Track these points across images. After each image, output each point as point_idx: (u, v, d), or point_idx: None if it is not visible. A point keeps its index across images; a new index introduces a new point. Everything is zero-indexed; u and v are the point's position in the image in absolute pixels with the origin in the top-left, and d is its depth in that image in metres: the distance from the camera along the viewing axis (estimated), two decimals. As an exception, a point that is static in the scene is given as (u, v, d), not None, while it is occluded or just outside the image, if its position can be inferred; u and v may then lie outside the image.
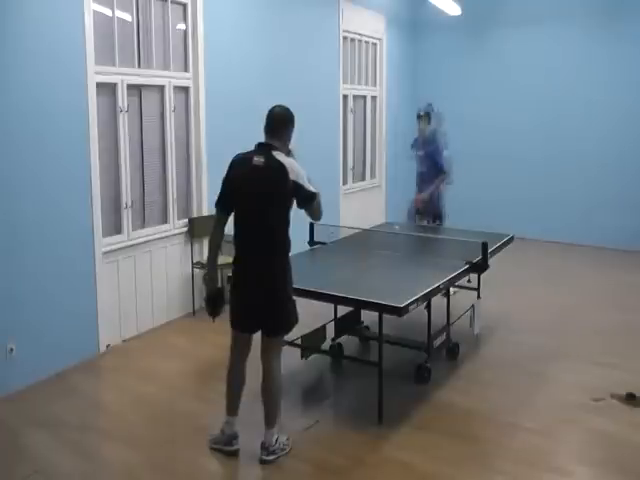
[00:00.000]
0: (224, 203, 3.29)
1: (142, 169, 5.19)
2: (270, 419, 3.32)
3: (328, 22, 7.35)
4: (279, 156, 3.15)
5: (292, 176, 3.11)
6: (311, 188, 3.18)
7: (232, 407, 3.35)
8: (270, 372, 3.28)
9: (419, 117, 6.19)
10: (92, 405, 4.04)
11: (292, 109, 3.32)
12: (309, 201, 3.20)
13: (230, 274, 3.36)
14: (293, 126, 3.28)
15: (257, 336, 3.33)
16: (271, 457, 3.30)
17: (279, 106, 3.28)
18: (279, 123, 3.23)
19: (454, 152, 9.11)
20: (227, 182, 3.28)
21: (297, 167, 3.16)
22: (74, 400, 4.03)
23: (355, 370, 4.36)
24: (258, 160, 3.14)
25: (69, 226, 4.41)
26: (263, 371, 3.29)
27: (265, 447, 3.31)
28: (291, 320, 3.29)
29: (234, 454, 3.33)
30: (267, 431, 3.32)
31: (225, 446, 3.35)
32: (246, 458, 3.32)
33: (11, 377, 4.05)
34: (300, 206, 3.22)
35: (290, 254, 3.29)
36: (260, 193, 3.15)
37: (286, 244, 3.24)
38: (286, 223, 3.21)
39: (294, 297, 3.31)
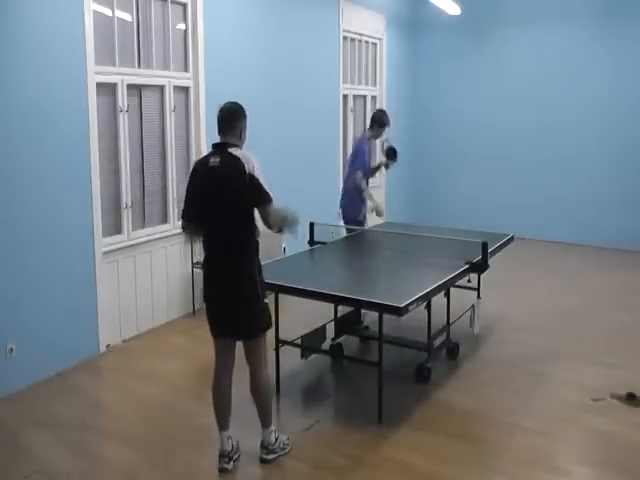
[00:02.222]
0: (189, 212, 3.20)
1: (142, 169, 5.19)
2: (264, 419, 3.31)
3: (328, 22, 7.35)
4: (235, 152, 3.08)
5: (248, 168, 3.01)
6: (268, 190, 3.04)
7: (223, 422, 3.27)
8: (255, 373, 3.25)
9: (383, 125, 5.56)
10: (92, 405, 4.05)
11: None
12: (263, 201, 3.03)
13: None
14: (245, 118, 3.19)
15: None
16: (271, 456, 3.30)
17: (227, 102, 3.21)
18: (230, 119, 3.15)
19: (455, 152, 9.20)
20: (188, 189, 3.23)
21: (255, 162, 3.05)
22: (74, 400, 4.04)
23: (355, 370, 4.36)
24: (214, 161, 3.08)
25: (69, 226, 4.41)
26: (250, 373, 3.27)
27: (265, 446, 3.31)
28: (262, 323, 3.21)
29: (221, 471, 3.21)
30: (265, 430, 3.31)
31: (219, 463, 3.25)
32: (246, 458, 3.32)
33: (11, 377, 4.05)
34: (255, 205, 3.06)
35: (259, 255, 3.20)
36: (220, 194, 3.06)
37: (253, 245, 3.14)
38: (251, 222, 3.11)
39: (266, 300, 3.22)
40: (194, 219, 3.20)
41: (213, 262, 3.20)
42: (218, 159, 3.08)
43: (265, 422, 3.31)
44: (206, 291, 3.26)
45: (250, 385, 3.29)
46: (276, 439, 3.34)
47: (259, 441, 3.33)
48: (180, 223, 3.33)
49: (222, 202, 3.07)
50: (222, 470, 3.22)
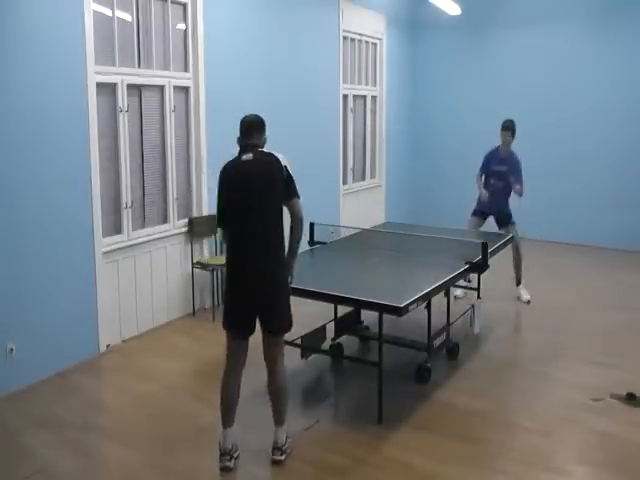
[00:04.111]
0: (224, 217, 3.25)
1: (142, 169, 5.19)
2: (280, 417, 3.31)
3: (328, 22, 7.35)
4: (266, 150, 3.24)
5: (284, 163, 3.18)
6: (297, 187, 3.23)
7: (228, 419, 3.28)
8: (277, 371, 3.27)
9: (507, 129, 5.94)
10: (92, 405, 4.04)
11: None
12: (295, 195, 3.20)
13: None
14: (265, 129, 3.33)
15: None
16: (283, 457, 3.29)
17: (250, 114, 3.34)
18: (255, 127, 3.27)
19: (454, 152, 9.20)
20: (222, 190, 3.25)
21: (286, 161, 3.22)
22: (74, 400, 4.04)
23: (355, 370, 4.37)
24: (247, 156, 3.18)
25: (69, 226, 4.41)
26: (270, 371, 3.28)
27: (278, 447, 3.29)
28: (291, 318, 3.31)
29: (224, 470, 3.22)
30: (278, 429, 3.31)
31: (220, 462, 3.26)
32: (245, 458, 3.32)
33: (11, 377, 4.05)
34: (288, 197, 3.20)
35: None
36: (255, 185, 3.14)
37: (283, 238, 3.23)
38: (281, 217, 3.21)
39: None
40: (228, 220, 3.24)
41: (247, 258, 3.17)
42: (251, 155, 3.19)
43: (280, 421, 3.31)
44: (237, 288, 3.22)
45: (270, 383, 3.29)
46: (286, 439, 3.34)
47: (258, 442, 3.32)
48: (217, 229, 3.34)
49: (258, 192, 3.15)
50: (224, 469, 3.22)
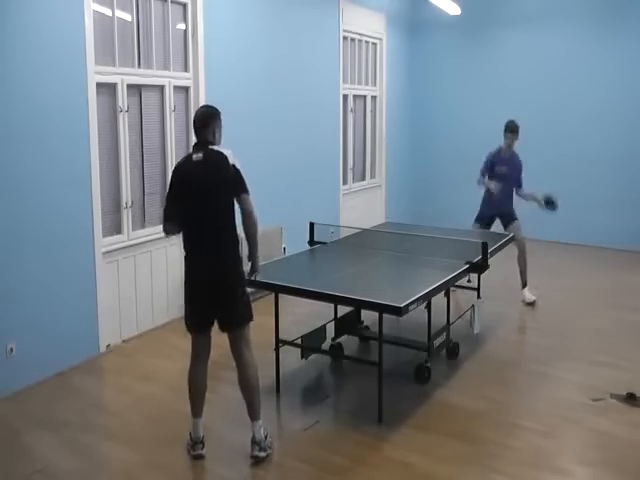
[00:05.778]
0: (172, 213, 3.29)
1: (142, 169, 5.19)
2: (255, 411, 3.33)
3: (328, 22, 7.35)
4: (215, 148, 3.26)
5: (231, 161, 3.21)
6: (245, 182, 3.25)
7: (197, 409, 3.37)
8: (246, 364, 3.29)
9: (510, 130, 5.90)
10: (92, 405, 4.04)
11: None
12: (244, 191, 3.22)
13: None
14: (219, 120, 3.32)
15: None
16: (263, 453, 3.30)
17: (202, 106, 3.38)
18: (205, 120, 3.28)
19: (455, 152, 9.20)
20: (172, 189, 3.30)
21: (234, 156, 3.25)
22: (74, 400, 4.04)
23: (355, 370, 4.37)
24: (197, 156, 3.22)
25: (69, 226, 4.41)
26: (236, 363, 3.31)
27: (257, 442, 3.30)
28: (249, 310, 3.34)
29: (198, 458, 3.32)
30: (255, 424, 3.32)
31: (191, 450, 3.36)
32: (244, 457, 3.32)
33: (11, 377, 4.05)
34: (237, 196, 3.22)
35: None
36: (206, 185, 3.19)
37: (236, 237, 3.26)
38: (234, 213, 3.25)
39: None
40: (178, 218, 3.28)
41: (202, 256, 3.23)
42: (201, 154, 3.22)
43: (255, 415, 3.32)
44: (193, 286, 3.28)
45: (238, 375, 3.31)
46: (265, 436, 3.34)
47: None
48: (162, 226, 3.37)
49: (210, 192, 3.20)
50: (198, 457, 3.31)
